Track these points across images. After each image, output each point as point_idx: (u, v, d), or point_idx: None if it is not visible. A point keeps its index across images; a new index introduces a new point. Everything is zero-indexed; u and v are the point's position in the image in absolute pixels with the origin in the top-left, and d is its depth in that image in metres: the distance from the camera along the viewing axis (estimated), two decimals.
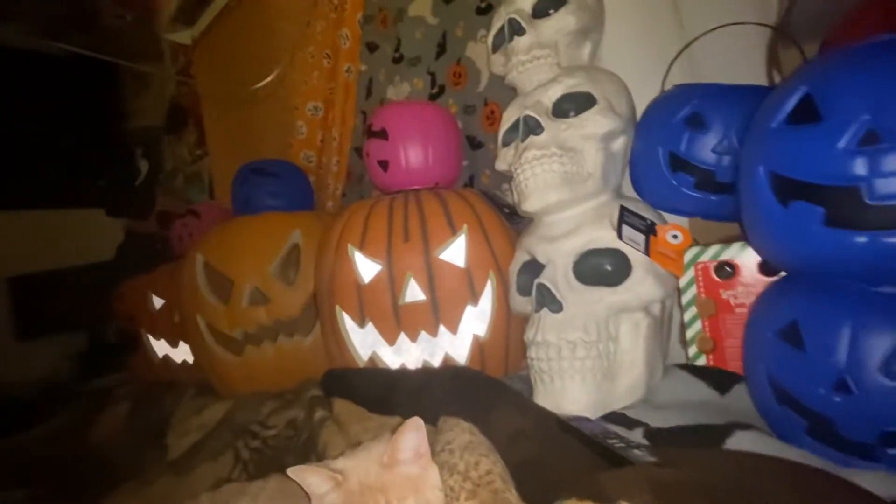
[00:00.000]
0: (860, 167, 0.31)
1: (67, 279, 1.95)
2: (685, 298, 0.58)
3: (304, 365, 0.89)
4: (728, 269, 0.56)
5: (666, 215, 0.61)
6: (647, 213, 0.60)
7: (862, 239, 0.32)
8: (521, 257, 0.66)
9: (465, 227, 0.73)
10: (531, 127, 0.60)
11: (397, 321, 0.71)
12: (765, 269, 0.53)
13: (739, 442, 0.39)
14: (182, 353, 1.15)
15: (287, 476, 0.41)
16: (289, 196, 1.04)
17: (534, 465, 0.41)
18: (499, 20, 0.70)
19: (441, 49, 1.00)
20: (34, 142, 2.13)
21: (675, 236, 0.57)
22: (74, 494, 0.69)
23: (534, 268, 0.63)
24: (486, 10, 0.91)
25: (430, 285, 0.70)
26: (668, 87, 0.64)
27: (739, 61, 0.66)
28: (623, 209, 0.57)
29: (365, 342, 0.74)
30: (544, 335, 0.54)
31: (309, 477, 0.36)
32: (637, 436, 0.45)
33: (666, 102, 0.59)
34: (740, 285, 0.55)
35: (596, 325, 0.54)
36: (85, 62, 1.94)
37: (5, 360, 1.86)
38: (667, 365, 0.60)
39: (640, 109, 0.64)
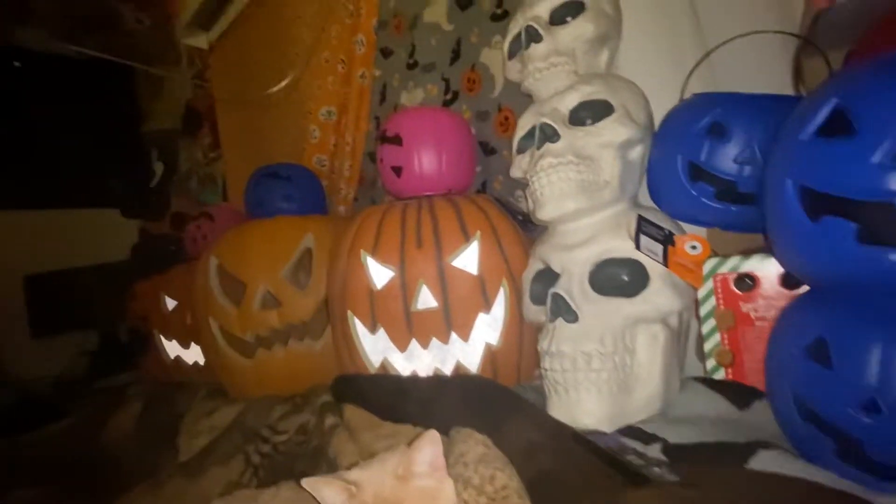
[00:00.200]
0: (895, 182, 0.30)
1: (82, 278, 1.98)
2: (703, 310, 0.57)
3: (314, 369, 0.89)
4: (748, 281, 0.55)
5: (684, 225, 0.60)
6: (665, 223, 0.59)
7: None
8: (534, 265, 0.65)
9: (478, 233, 0.72)
10: (547, 134, 0.60)
11: (409, 328, 0.71)
12: (787, 281, 0.52)
13: (763, 462, 0.38)
14: (193, 355, 1.16)
15: (299, 484, 0.41)
16: (302, 200, 1.04)
17: (549, 480, 0.40)
18: (515, 27, 0.69)
19: (455, 55, 1.00)
20: (53, 142, 2.18)
21: (693, 247, 0.56)
22: (87, 494, 0.69)
23: (548, 276, 0.62)
24: (501, 17, 0.90)
25: (443, 292, 0.70)
26: (686, 95, 0.63)
27: (760, 70, 0.65)
28: (640, 219, 0.56)
29: (376, 348, 0.74)
30: (559, 346, 0.53)
31: (323, 489, 0.36)
32: (655, 451, 0.44)
33: (686, 111, 0.58)
34: (761, 298, 0.54)
35: (612, 336, 0.53)
36: (104, 65, 1.98)
37: (21, 356, 1.89)
38: (684, 378, 0.59)
39: (658, 118, 0.64)
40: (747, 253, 0.56)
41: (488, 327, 0.71)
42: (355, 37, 1.20)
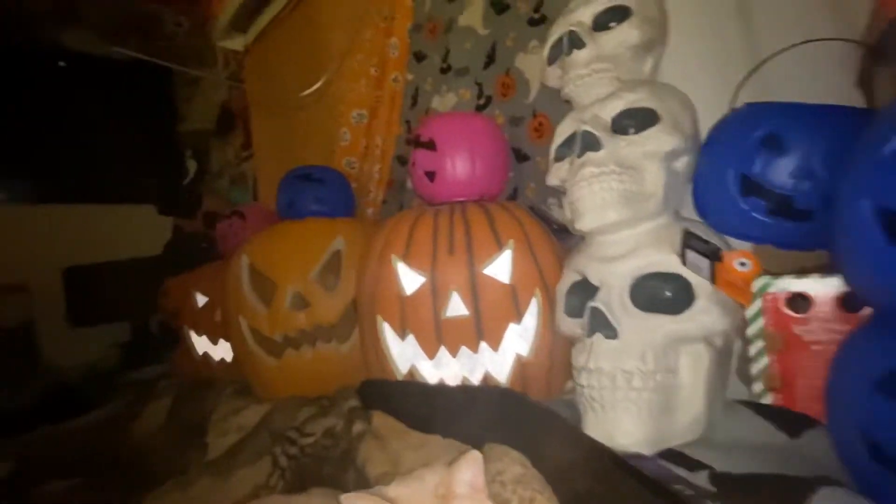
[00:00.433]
0: None
1: (118, 271, 2.04)
2: (751, 330, 0.54)
3: (340, 371, 0.89)
4: (802, 301, 0.52)
5: (732, 241, 0.58)
6: (711, 238, 0.56)
7: None
8: (570, 277, 0.63)
9: (511, 242, 0.71)
10: (589, 143, 0.58)
11: (438, 335, 0.70)
12: (848, 304, 0.48)
13: (826, 501, 0.35)
14: (221, 352, 1.18)
15: (330, 492, 0.41)
16: (332, 202, 1.05)
17: None
18: (557, 32, 0.68)
19: (490, 59, 0.99)
20: (94, 140, 2.27)
21: (742, 263, 0.53)
22: (117, 488, 0.71)
23: (584, 289, 0.60)
24: (538, 22, 0.89)
25: (474, 300, 0.69)
26: (735, 104, 0.61)
27: (816, 79, 0.62)
28: (686, 232, 0.54)
29: (404, 354, 0.73)
30: (597, 362, 0.51)
31: None
32: (702, 480, 0.42)
33: (737, 121, 0.55)
34: (815, 320, 0.51)
35: (654, 354, 0.51)
36: (144, 67, 2.05)
37: (57, 345, 1.96)
38: (728, 401, 0.56)
39: (703, 127, 0.61)
40: (800, 272, 0.53)
41: (519, 338, 0.70)
42: (389, 40, 1.20)
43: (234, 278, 0.93)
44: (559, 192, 0.85)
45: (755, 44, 0.68)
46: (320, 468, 0.61)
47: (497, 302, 0.69)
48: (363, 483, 0.53)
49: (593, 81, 0.63)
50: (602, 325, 0.53)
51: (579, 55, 0.63)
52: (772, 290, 0.53)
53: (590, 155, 0.57)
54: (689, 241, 0.53)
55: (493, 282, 0.69)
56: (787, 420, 0.50)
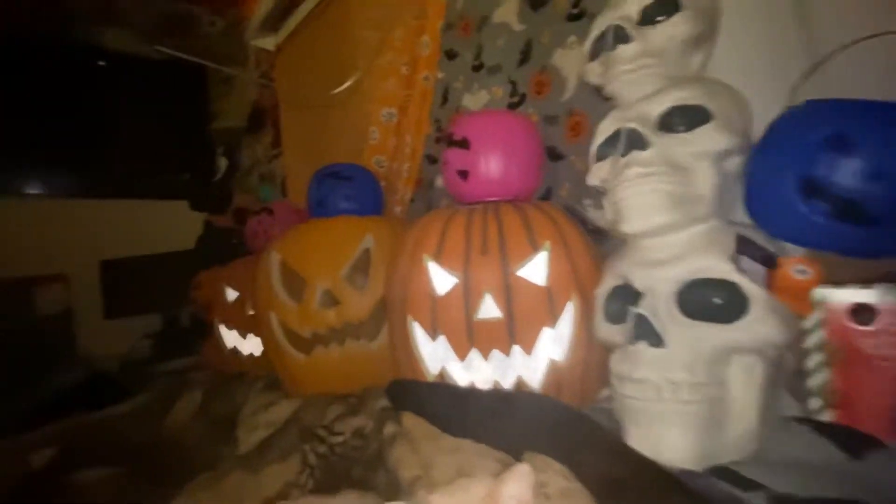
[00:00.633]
0: None
1: (152, 265, 2.11)
2: (809, 342, 0.51)
3: (368, 370, 0.89)
4: (866, 313, 0.48)
5: (789, 247, 0.54)
6: (766, 243, 0.53)
7: None
8: (611, 281, 0.61)
9: (547, 243, 0.69)
10: (634, 141, 0.56)
11: (470, 337, 0.68)
12: None
13: None
14: (250, 346, 1.19)
15: (361, 494, 0.40)
16: (361, 200, 1.05)
17: None
18: (600, 26, 0.65)
19: (524, 56, 0.97)
20: (131, 137, 2.34)
21: (801, 271, 0.50)
22: (151, 479, 0.72)
23: (626, 294, 0.58)
24: (577, 17, 0.87)
25: (507, 302, 0.67)
26: (793, 102, 0.57)
27: (887, 73, 0.57)
28: (740, 237, 0.51)
29: (435, 355, 0.72)
30: (642, 372, 0.49)
31: None
32: (759, 500, 0.39)
33: (798, 120, 0.52)
34: (883, 334, 0.47)
35: (703, 365, 0.48)
36: (179, 66, 2.10)
37: (94, 335, 2.04)
38: (781, 416, 0.53)
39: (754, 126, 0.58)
40: (864, 281, 0.50)
41: (553, 342, 0.68)
42: (420, 38, 1.19)
43: (266, 274, 0.94)
44: (596, 193, 0.83)
45: (813, 37, 0.64)
46: (350, 469, 0.60)
47: (531, 305, 0.67)
48: (394, 486, 0.52)
49: (639, 78, 0.60)
50: (647, 332, 0.50)
51: (625, 50, 0.60)
52: (833, 299, 0.50)
53: (636, 154, 0.55)
54: (744, 247, 0.50)
55: (528, 284, 0.68)
56: (850, 440, 0.47)
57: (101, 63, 2.34)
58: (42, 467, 0.81)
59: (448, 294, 0.70)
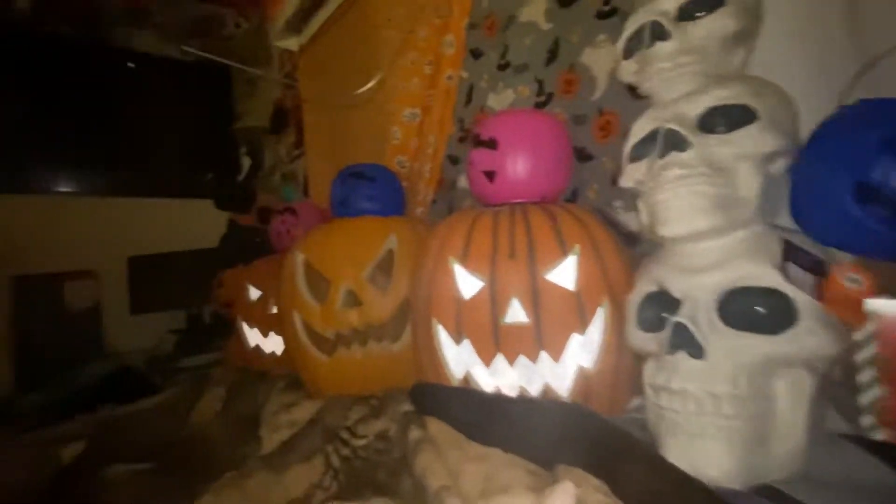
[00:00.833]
0: None
1: (177, 262, 2.15)
2: (861, 356, 0.48)
3: (390, 371, 0.88)
4: None
5: (839, 254, 0.51)
6: (814, 250, 0.50)
7: None
8: (644, 287, 0.59)
9: (577, 247, 0.67)
10: (674, 142, 0.53)
11: (496, 342, 0.67)
12: None
13: None
14: (272, 345, 1.20)
15: (389, 502, 0.39)
16: (384, 200, 1.04)
17: None
18: (635, 23, 0.63)
19: (552, 55, 0.95)
20: (158, 137, 2.40)
21: (853, 280, 0.47)
22: (177, 476, 0.73)
23: (661, 301, 0.55)
24: (608, 15, 0.84)
25: (535, 307, 0.66)
26: (845, 101, 0.54)
27: None
28: (787, 243, 0.49)
29: (460, 359, 0.71)
30: (682, 383, 0.47)
31: None
32: None
33: (852, 120, 0.49)
34: None
35: (747, 377, 0.46)
36: (205, 67, 2.14)
37: (120, 330, 2.09)
38: (830, 433, 0.50)
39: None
40: None
41: (582, 349, 0.66)
42: (444, 37, 1.18)
43: (290, 274, 0.94)
44: (627, 195, 0.81)
45: (863, 32, 0.61)
46: (374, 473, 0.59)
47: (560, 310, 0.65)
48: (421, 494, 0.51)
49: (677, 76, 0.58)
50: (687, 342, 0.48)
51: (663, 47, 0.58)
52: (887, 311, 0.47)
53: (675, 155, 0.53)
54: (791, 253, 0.48)
55: (557, 288, 0.66)
56: None
57: (131, 65, 2.40)
58: (72, 461, 0.83)
59: (474, 297, 0.69)
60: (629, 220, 0.79)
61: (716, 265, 0.50)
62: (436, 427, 0.61)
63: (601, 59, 0.85)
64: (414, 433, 0.60)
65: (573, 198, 0.91)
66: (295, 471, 0.63)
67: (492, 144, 0.76)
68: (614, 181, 0.82)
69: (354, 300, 0.88)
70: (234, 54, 2.16)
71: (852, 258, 0.52)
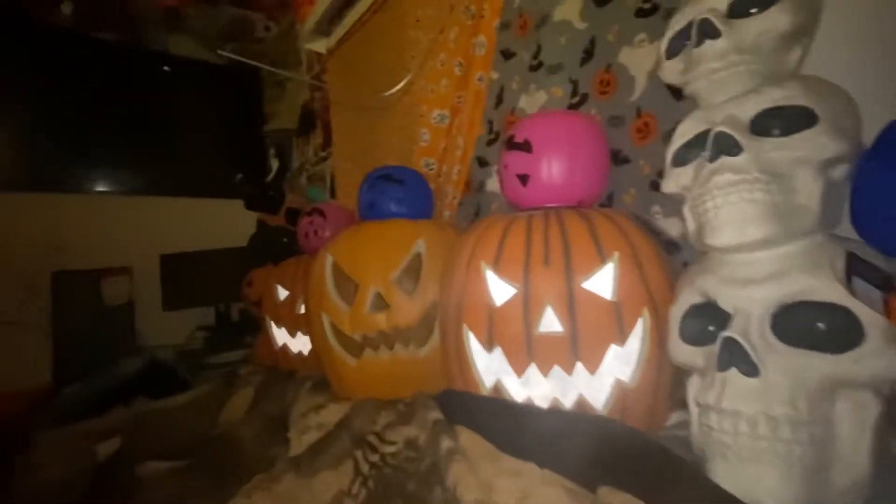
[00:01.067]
0: None
1: (207, 260, 2.21)
2: None
3: (417, 375, 0.87)
4: None
5: None
6: (882, 263, 0.47)
7: None
8: (689, 298, 0.56)
9: (615, 254, 0.64)
10: (725, 146, 0.51)
11: (529, 351, 0.65)
12: None
13: None
14: (299, 345, 1.21)
15: None
16: (412, 203, 1.03)
17: None
18: (681, 21, 0.60)
19: (588, 55, 0.92)
20: (191, 138, 2.46)
21: None
22: (209, 475, 0.74)
23: (707, 313, 0.52)
24: (649, 13, 0.81)
25: (570, 317, 0.63)
26: None
27: None
28: (852, 255, 0.45)
29: (490, 368, 0.69)
30: (734, 403, 0.44)
31: None
32: None
33: None
34: None
35: (807, 399, 0.43)
36: (236, 69, 2.19)
37: (152, 326, 2.15)
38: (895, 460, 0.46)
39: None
40: None
41: (620, 362, 0.63)
42: (475, 38, 1.17)
43: (319, 276, 0.94)
44: (666, 201, 0.78)
45: None
46: (404, 482, 0.58)
47: (597, 320, 0.63)
48: None
49: (728, 76, 0.55)
50: (739, 359, 0.45)
51: (713, 46, 0.55)
52: None
53: (726, 160, 0.50)
54: (857, 267, 0.44)
55: (594, 297, 0.63)
56: None
57: (166, 68, 2.47)
58: (108, 458, 0.85)
59: (506, 305, 0.67)
60: (670, 227, 0.76)
61: (771, 277, 0.47)
62: (467, 437, 0.60)
63: (640, 58, 0.82)
64: (445, 443, 0.58)
65: (609, 202, 0.88)
66: (323, 476, 0.63)
67: (526, 147, 0.75)
68: (653, 186, 0.79)
69: (382, 303, 0.87)
70: (265, 57, 2.20)
71: None
